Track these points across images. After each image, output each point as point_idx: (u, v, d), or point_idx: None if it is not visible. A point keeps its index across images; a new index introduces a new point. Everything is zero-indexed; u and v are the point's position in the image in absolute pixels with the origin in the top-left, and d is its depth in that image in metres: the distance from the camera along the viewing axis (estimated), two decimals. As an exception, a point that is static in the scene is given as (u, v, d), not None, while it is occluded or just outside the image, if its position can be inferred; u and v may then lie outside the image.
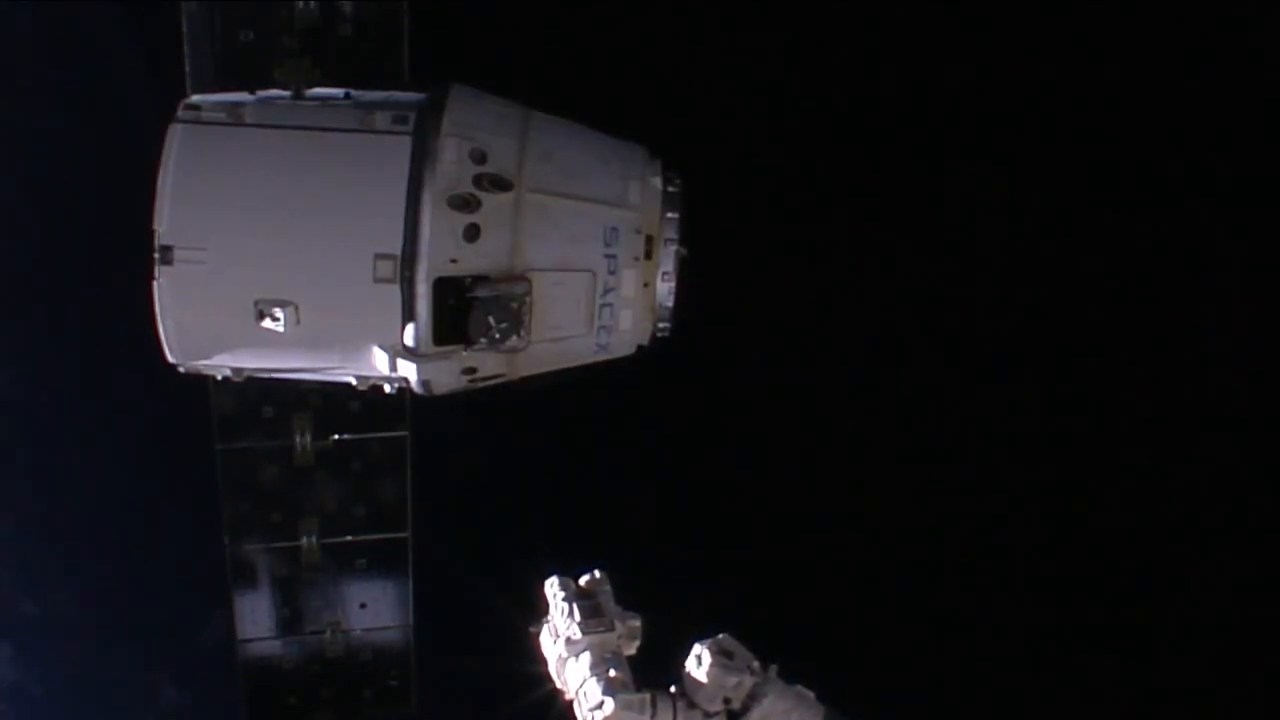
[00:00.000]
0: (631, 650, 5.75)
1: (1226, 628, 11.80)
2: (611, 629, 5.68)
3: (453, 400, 6.54)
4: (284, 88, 6.69)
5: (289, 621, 8.50)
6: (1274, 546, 11.58)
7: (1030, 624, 12.05)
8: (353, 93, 6.57)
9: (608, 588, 5.90)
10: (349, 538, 8.23)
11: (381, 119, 6.16)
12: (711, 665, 5.54)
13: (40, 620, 12.90)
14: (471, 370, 6.27)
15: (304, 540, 8.16)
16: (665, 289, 6.33)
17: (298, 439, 7.86)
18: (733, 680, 5.52)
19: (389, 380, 6.42)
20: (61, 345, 11.75)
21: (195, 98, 6.46)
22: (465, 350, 6.13)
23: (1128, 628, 12.03)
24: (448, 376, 6.24)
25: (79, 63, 11.33)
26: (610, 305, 6.22)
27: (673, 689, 5.64)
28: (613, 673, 5.51)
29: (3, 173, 11.48)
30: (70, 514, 12.60)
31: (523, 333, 6.07)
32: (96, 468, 12.28)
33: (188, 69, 6.99)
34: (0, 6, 11.05)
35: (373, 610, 8.51)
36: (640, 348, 6.57)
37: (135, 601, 12.58)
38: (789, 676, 5.61)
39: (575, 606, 5.73)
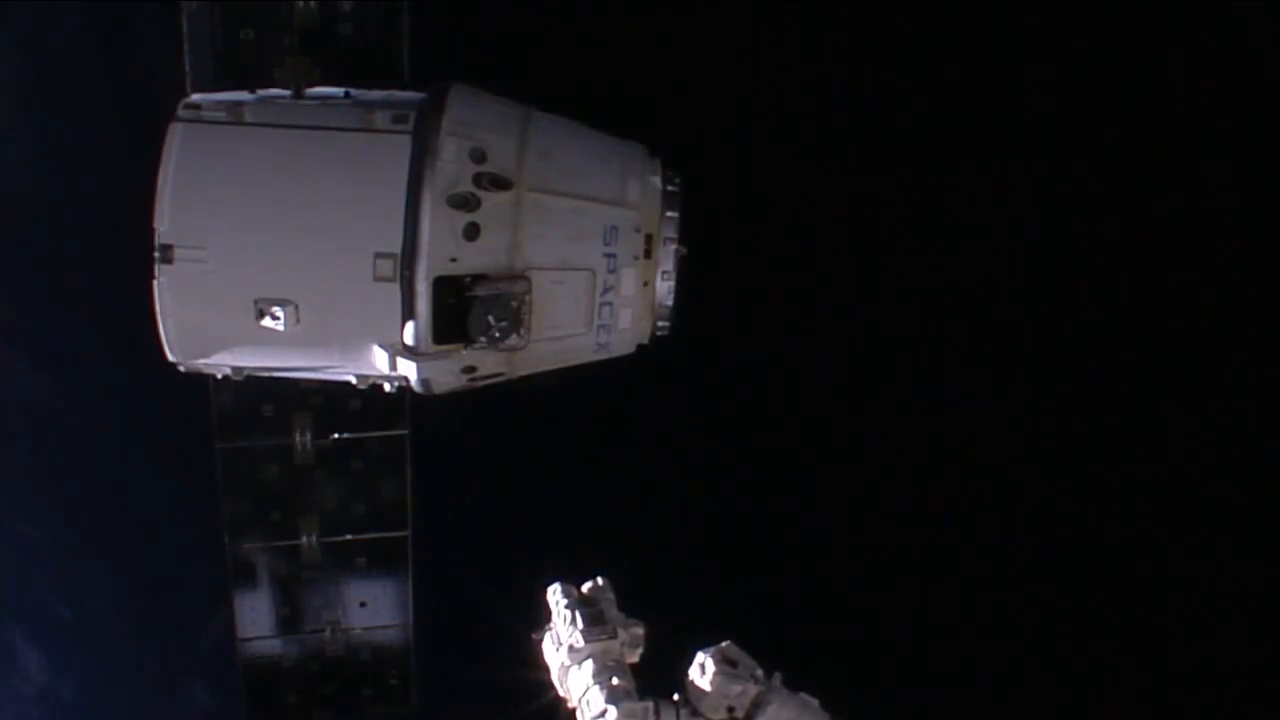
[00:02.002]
0: (634, 658, 5.75)
1: (1226, 628, 11.80)
2: (614, 636, 5.68)
3: (452, 399, 6.54)
4: (284, 87, 6.71)
5: (289, 620, 8.49)
6: (1274, 546, 11.58)
7: (1035, 629, 12.03)
8: (352, 92, 6.59)
9: (610, 595, 5.90)
10: (349, 536, 8.23)
11: (381, 118, 6.17)
12: (715, 673, 5.53)
13: (70, 624, 12.93)
14: (471, 369, 6.27)
15: (304, 539, 8.15)
16: (665, 288, 6.34)
17: (298, 438, 7.85)
18: (736, 689, 5.52)
19: (389, 379, 6.43)
20: (88, 348, 11.77)
21: (195, 96, 6.48)
22: (465, 349, 6.13)
23: (1129, 629, 12.02)
24: (447, 375, 6.25)
25: (79, 63, 11.34)
26: (610, 304, 6.22)
27: (676, 697, 5.64)
28: (615, 681, 5.50)
29: (1, 172, 11.49)
30: (90, 516, 12.62)
31: (522, 331, 6.07)
32: (105, 469, 12.31)
33: (188, 68, 6.99)
34: (1, 8, 11.06)
35: (372, 609, 8.51)
36: (640, 346, 6.57)
37: (163, 603, 12.59)
38: (793, 684, 5.60)
39: (578, 614, 5.74)
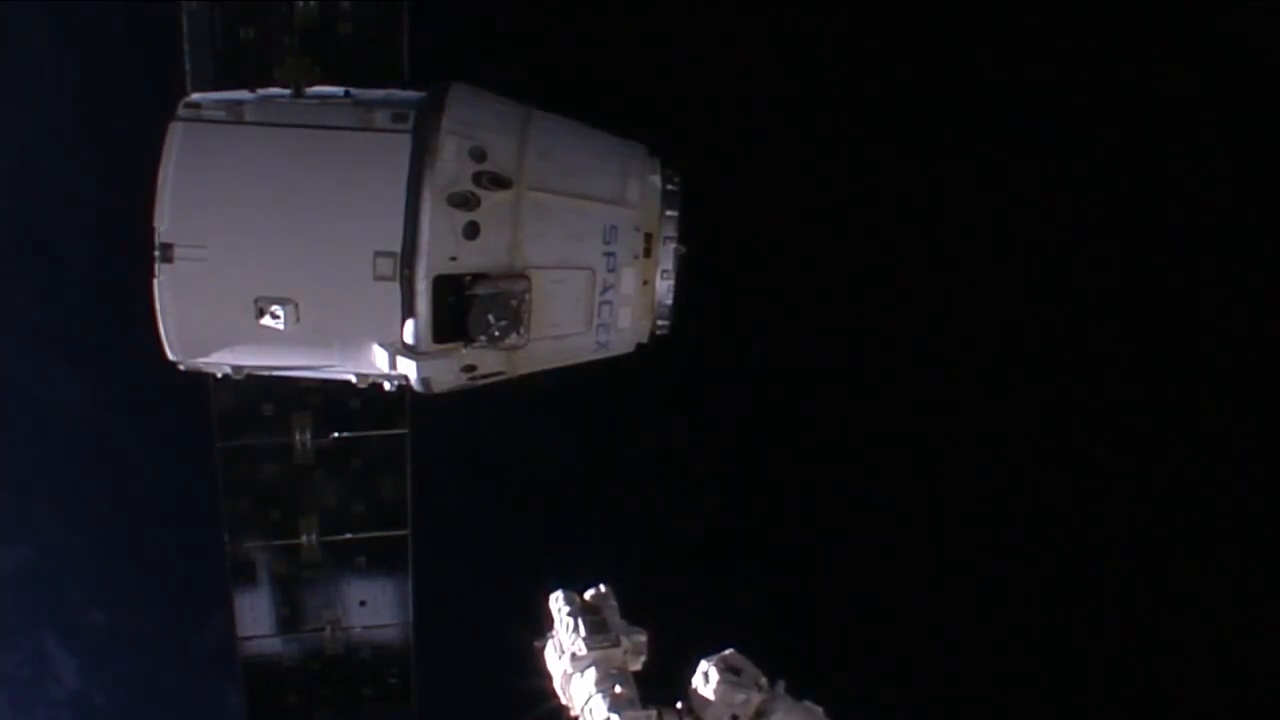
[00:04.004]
0: (637, 666, 5.71)
1: (1226, 628, 11.80)
2: (617, 644, 5.64)
3: (453, 398, 6.54)
4: (284, 86, 6.71)
5: (288, 619, 8.48)
6: (1274, 547, 11.59)
7: (1041, 636, 12.01)
8: (353, 91, 6.59)
9: (613, 602, 5.86)
10: (349, 535, 8.21)
11: (381, 117, 6.18)
12: (719, 682, 5.48)
13: (104, 629, 12.93)
14: (471, 368, 6.28)
15: (304, 538, 8.14)
16: (664, 287, 6.34)
17: (297, 437, 7.84)
18: (740, 697, 5.46)
19: (389, 378, 6.44)
20: (103, 348, 11.77)
21: (195, 96, 6.48)
22: (465, 348, 6.14)
23: (1134, 633, 12.01)
24: (447, 374, 6.25)
25: (79, 62, 11.35)
26: (610, 303, 6.23)
27: (679, 705, 5.60)
28: (618, 689, 5.47)
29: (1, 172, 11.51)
30: (111, 520, 12.62)
31: (522, 330, 6.08)
32: (125, 470, 12.33)
33: (188, 68, 6.99)
34: (0, 6, 11.07)
35: (372, 608, 8.49)
36: (640, 346, 6.57)
37: (192, 605, 12.57)
38: (796, 692, 5.58)
39: (580, 621, 5.70)
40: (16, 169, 11.48)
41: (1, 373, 12.09)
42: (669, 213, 6.34)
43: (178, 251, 6.03)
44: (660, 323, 6.44)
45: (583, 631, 5.66)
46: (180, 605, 12.62)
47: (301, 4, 7.02)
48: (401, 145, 6.06)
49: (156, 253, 6.05)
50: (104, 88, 11.27)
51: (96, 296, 11.38)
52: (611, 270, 6.16)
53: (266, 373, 6.66)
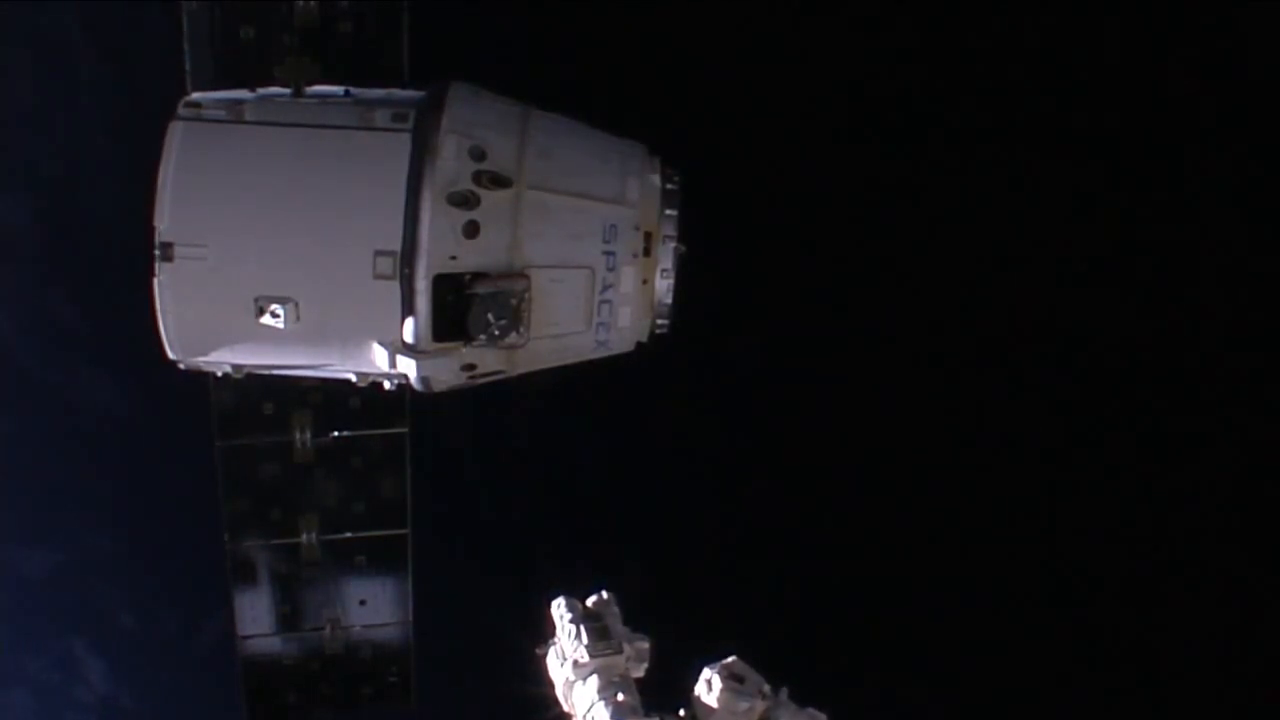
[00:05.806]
0: (640, 673, 5.67)
1: (1226, 629, 11.80)
2: (619, 651, 5.59)
3: (452, 397, 6.56)
4: (284, 85, 6.72)
5: (288, 618, 8.49)
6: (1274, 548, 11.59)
7: (1045, 640, 11.99)
8: (352, 90, 6.60)
9: (615, 609, 5.81)
10: (349, 534, 8.23)
11: (381, 116, 6.19)
12: (722, 690, 5.43)
13: (133, 632, 12.92)
14: (471, 367, 6.29)
15: (304, 537, 8.15)
16: (664, 286, 6.35)
17: (297, 436, 7.85)
18: (743, 705, 5.39)
19: (389, 377, 6.45)
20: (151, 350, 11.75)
21: (195, 95, 6.49)
22: (465, 347, 6.14)
23: (1139, 639, 12.00)
24: (447, 373, 6.26)
25: (80, 62, 11.36)
26: (609, 302, 6.24)
27: (681, 713, 5.59)
28: (621, 696, 5.43)
29: (4, 172, 11.52)
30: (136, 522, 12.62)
31: (522, 329, 6.09)
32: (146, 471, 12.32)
33: (188, 67, 7.00)
34: (1, 9, 11.09)
35: (372, 607, 8.50)
36: (639, 344, 6.58)
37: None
38: (800, 700, 5.57)
39: (582, 628, 5.65)
40: (16, 168, 11.51)
41: (30, 376, 12.12)
42: (669, 212, 6.34)
43: (178, 250, 6.04)
44: (660, 322, 6.45)
45: (585, 639, 5.61)
46: (200, 606, 12.64)
47: (301, 4, 7.03)
48: (401, 144, 6.07)
49: (156, 252, 6.06)
50: (107, 87, 11.28)
51: (120, 298, 11.38)
52: (611, 269, 6.17)
53: (266, 371, 6.67)
